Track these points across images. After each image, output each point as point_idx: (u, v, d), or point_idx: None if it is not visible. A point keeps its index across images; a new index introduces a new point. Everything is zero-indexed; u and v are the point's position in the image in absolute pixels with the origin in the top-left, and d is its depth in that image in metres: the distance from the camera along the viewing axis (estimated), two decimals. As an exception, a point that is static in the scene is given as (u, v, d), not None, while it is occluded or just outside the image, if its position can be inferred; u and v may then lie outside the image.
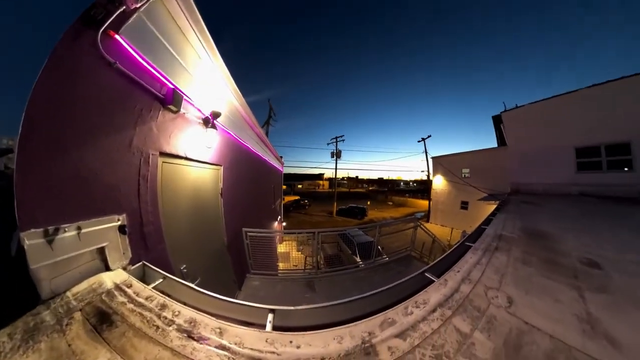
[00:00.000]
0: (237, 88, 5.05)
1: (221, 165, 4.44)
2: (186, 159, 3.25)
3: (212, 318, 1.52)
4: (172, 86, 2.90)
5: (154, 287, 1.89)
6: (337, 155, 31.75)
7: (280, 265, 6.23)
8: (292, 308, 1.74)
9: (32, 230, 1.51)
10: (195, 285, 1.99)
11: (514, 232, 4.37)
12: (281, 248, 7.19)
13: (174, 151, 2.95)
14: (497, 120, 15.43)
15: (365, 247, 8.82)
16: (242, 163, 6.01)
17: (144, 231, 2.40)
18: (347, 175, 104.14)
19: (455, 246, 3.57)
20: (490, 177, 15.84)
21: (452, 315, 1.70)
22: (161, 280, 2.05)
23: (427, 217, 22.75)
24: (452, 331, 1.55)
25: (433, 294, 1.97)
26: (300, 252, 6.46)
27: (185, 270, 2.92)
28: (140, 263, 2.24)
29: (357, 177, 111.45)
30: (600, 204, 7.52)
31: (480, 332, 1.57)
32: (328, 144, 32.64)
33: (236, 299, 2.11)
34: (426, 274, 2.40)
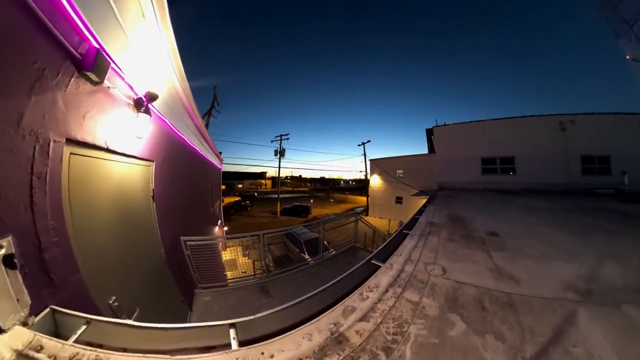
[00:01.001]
0: (182, 67, 4.20)
1: (153, 161, 3.57)
2: (107, 150, 2.40)
3: (167, 356, 1.22)
4: (96, 45, 2.04)
5: (76, 340, 1.33)
6: (280, 153, 30.28)
7: (228, 274, 5.62)
8: (253, 317, 1.59)
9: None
10: (134, 320, 1.59)
11: (441, 219, 5.36)
12: (226, 255, 6.57)
13: (89, 139, 2.07)
14: (429, 132, 18.79)
15: (312, 244, 8.83)
16: (177, 159, 5.11)
17: (46, 259, 1.58)
18: (290, 174, 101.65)
19: (395, 234, 4.01)
20: (421, 177, 18.98)
21: (402, 291, 1.94)
22: (84, 326, 1.45)
23: (366, 211, 24.70)
24: (406, 303, 1.78)
25: (382, 277, 2.17)
26: (247, 257, 6.07)
27: (116, 304, 2.17)
28: (48, 309, 1.49)
29: (300, 176, 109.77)
30: (496, 195, 10.76)
31: (427, 298, 1.90)
32: (272, 141, 31.11)
33: (189, 321, 1.80)
34: (372, 261, 2.60)
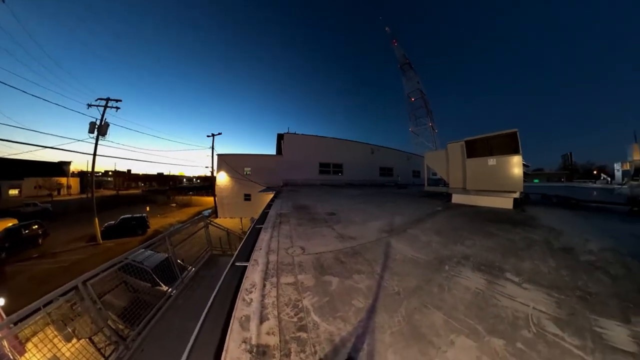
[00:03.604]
0: None
1: None
2: None
3: None
4: None
5: None
6: (100, 130, 18.02)
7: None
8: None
9: None
10: None
11: (288, 209, 6.35)
12: (32, 358, 3.13)
13: None
14: (280, 137, 22.59)
15: (163, 269, 6.76)
16: None
17: None
18: (113, 169, 67.58)
19: (250, 231, 4.20)
20: (268, 174, 20.86)
21: (278, 279, 2.20)
22: None
23: (215, 213, 22.83)
24: (287, 287, 2.07)
25: (254, 275, 2.28)
26: (75, 339, 3.19)
27: None
28: None
29: (129, 171, 76.33)
30: (330, 188, 15.08)
31: (300, 274, 2.32)
32: (90, 105, 18.42)
33: None
34: (237, 264, 2.62)
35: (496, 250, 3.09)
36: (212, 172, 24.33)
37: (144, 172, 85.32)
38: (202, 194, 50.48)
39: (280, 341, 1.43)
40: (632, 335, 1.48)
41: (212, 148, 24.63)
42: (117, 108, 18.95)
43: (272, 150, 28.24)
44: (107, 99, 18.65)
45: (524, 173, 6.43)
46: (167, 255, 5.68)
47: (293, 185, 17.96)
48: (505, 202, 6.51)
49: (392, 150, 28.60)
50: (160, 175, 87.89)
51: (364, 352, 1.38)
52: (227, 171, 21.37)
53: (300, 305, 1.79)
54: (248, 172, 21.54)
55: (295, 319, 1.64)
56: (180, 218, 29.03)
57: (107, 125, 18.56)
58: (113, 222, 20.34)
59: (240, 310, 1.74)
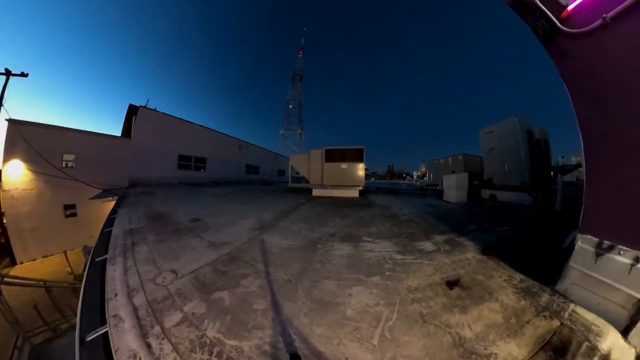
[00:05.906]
0: None
1: None
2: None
3: None
4: None
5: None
6: None
7: None
8: None
9: (588, 236, 1.87)
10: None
11: (141, 222, 4.72)
12: None
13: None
14: (132, 111, 14.92)
15: None
16: None
17: None
18: None
19: (87, 271, 2.68)
20: (105, 169, 12.85)
21: (162, 324, 1.68)
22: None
23: (9, 254, 10.22)
24: (179, 328, 1.65)
25: (127, 339, 1.55)
26: None
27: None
28: None
29: None
30: (191, 188, 12.55)
31: (186, 305, 1.93)
32: None
33: None
34: (89, 338, 1.64)
35: (352, 225, 4.21)
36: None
37: None
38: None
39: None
40: (432, 244, 3.30)
41: (1, 100, 10.13)
42: None
43: (118, 129, 17.22)
44: None
45: (366, 174, 9.83)
46: None
47: (145, 184, 12.90)
48: (353, 193, 9.29)
49: (260, 149, 27.89)
50: None
51: (297, 341, 1.49)
52: (28, 160, 10.47)
53: (207, 341, 1.54)
54: (70, 164, 11.91)
55: (214, 358, 1.41)
56: None
57: None
58: None
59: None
